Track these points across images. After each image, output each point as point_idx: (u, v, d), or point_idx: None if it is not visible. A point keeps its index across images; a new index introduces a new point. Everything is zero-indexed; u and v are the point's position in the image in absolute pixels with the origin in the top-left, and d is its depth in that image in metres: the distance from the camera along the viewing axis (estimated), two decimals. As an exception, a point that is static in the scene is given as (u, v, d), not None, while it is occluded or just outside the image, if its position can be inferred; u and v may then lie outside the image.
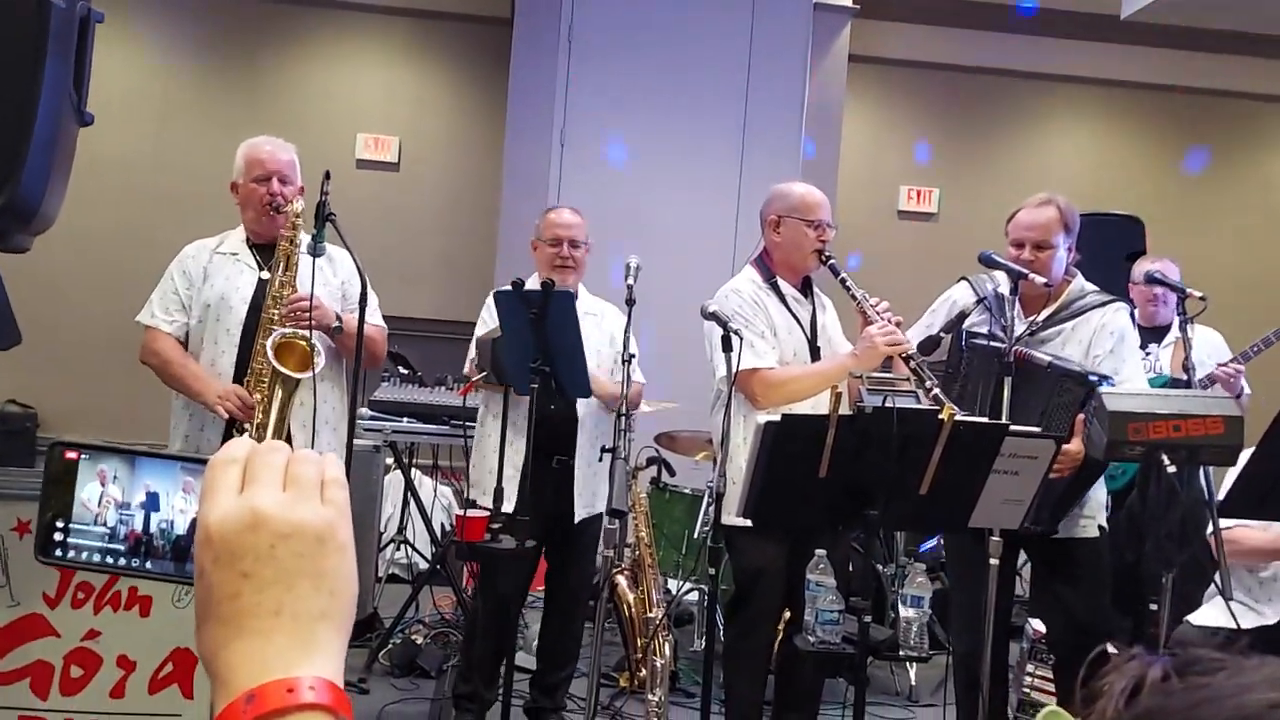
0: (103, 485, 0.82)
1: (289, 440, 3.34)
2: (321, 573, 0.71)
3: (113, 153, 6.67)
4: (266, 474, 0.73)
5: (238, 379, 3.37)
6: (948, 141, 7.63)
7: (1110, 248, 5.10)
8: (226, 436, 3.32)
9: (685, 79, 6.34)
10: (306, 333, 3.26)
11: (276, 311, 3.31)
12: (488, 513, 3.25)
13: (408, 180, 7.11)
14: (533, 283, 3.67)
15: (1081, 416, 3.10)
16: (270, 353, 3.22)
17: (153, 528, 0.82)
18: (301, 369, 3.25)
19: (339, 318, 3.40)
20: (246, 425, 3.29)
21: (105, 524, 0.82)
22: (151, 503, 0.82)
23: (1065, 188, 7.16)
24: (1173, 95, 7.69)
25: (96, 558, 0.83)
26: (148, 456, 0.83)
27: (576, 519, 3.72)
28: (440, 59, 7.14)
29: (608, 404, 3.64)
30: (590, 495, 3.73)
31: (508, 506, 3.31)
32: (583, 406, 3.63)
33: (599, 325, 3.83)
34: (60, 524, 0.83)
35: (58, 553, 0.83)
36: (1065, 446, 3.04)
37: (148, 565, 0.84)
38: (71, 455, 0.83)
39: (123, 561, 0.83)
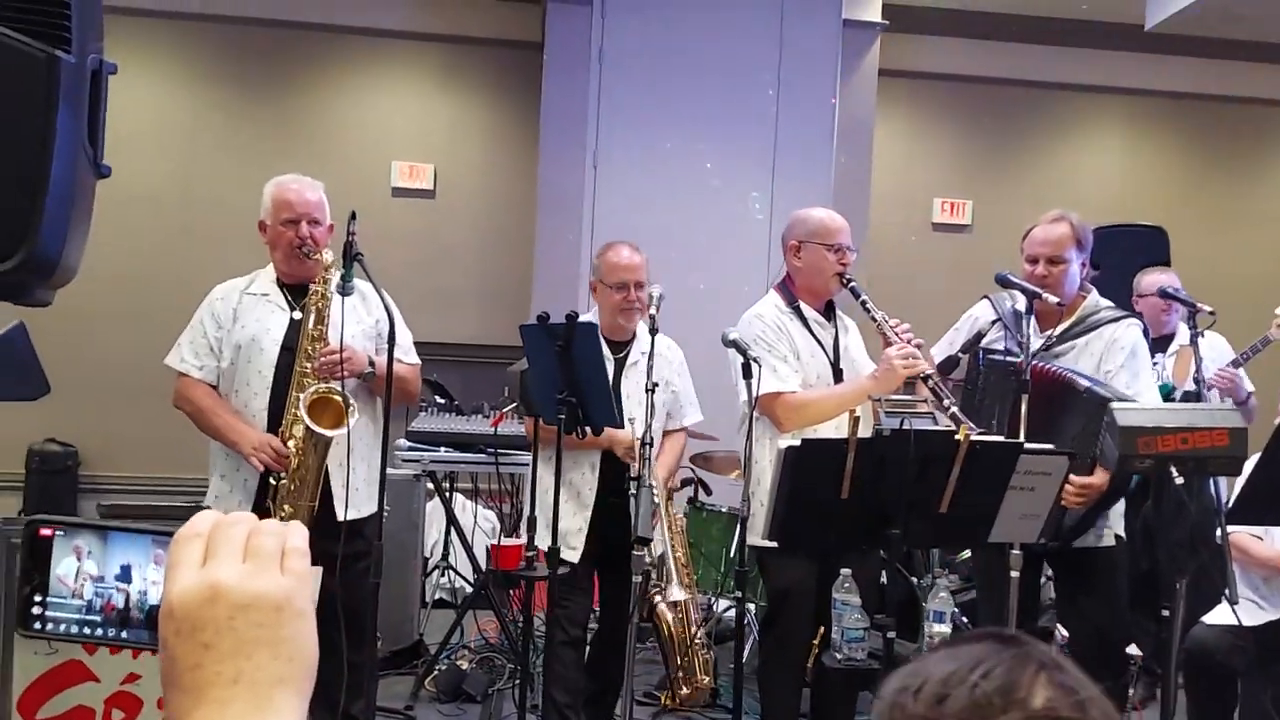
0: (79, 560, 0.88)
1: (326, 479, 3.42)
2: (279, 640, 0.77)
3: (145, 189, 6.68)
4: (227, 547, 0.78)
5: (271, 420, 3.39)
6: (980, 153, 7.63)
7: (1135, 258, 5.14)
8: (262, 481, 3.38)
9: (716, 98, 6.39)
10: (339, 387, 3.28)
11: (310, 364, 3.32)
12: (523, 542, 3.31)
13: (444, 207, 7.17)
14: (593, 324, 3.68)
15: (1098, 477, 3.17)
16: (304, 409, 3.24)
17: (128, 599, 0.88)
18: (336, 423, 3.27)
19: (372, 362, 3.40)
20: (283, 474, 3.32)
21: (82, 597, 0.88)
22: (125, 575, 0.88)
23: (1094, 196, 7.27)
24: (1198, 104, 7.66)
25: (74, 629, 0.88)
26: (120, 531, 0.89)
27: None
28: (473, 84, 7.20)
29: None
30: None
31: (547, 536, 3.37)
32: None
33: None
34: (38, 598, 0.87)
35: (37, 625, 0.88)
36: (1090, 480, 3.13)
37: (124, 635, 0.88)
38: (46, 532, 0.88)
39: (100, 632, 0.89)
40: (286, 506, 3.33)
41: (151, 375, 3.55)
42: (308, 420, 3.25)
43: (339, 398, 3.30)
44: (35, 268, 1.88)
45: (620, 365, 3.70)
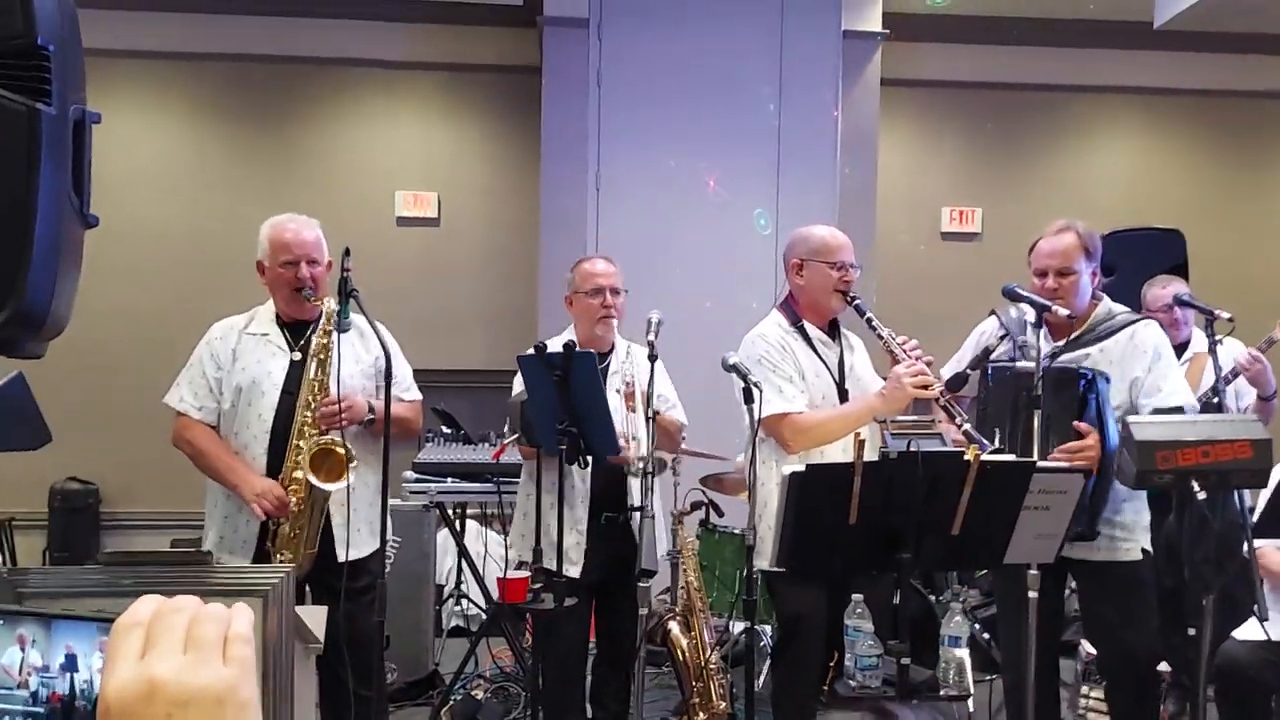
0: (22, 650, 0.84)
1: (327, 521, 3.39)
2: None
3: (157, 227, 6.80)
4: (166, 638, 0.74)
5: (271, 462, 3.37)
6: (987, 160, 7.55)
7: (1152, 262, 5.03)
8: (262, 525, 3.36)
9: (717, 114, 6.35)
10: (341, 438, 3.28)
11: (310, 413, 3.31)
12: (529, 573, 3.26)
13: (448, 234, 7.17)
14: (569, 338, 3.68)
15: (1077, 423, 3.11)
16: (306, 463, 3.24)
17: (73, 689, 0.84)
18: (338, 472, 3.27)
19: (372, 408, 3.39)
20: (282, 520, 3.31)
21: (28, 688, 0.84)
22: (70, 664, 0.84)
23: (1107, 199, 7.18)
24: (1211, 100, 7.54)
25: None
26: (64, 619, 0.85)
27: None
28: (473, 111, 7.20)
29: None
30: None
31: (550, 565, 3.32)
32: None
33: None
34: None
35: None
36: (1079, 443, 3.07)
37: None
38: None
39: None
40: (286, 551, 3.31)
41: (167, 412, 3.55)
42: (310, 475, 3.25)
43: (341, 450, 3.29)
44: (24, 322, 1.87)
45: (602, 376, 3.64)
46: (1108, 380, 3.25)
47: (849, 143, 6.48)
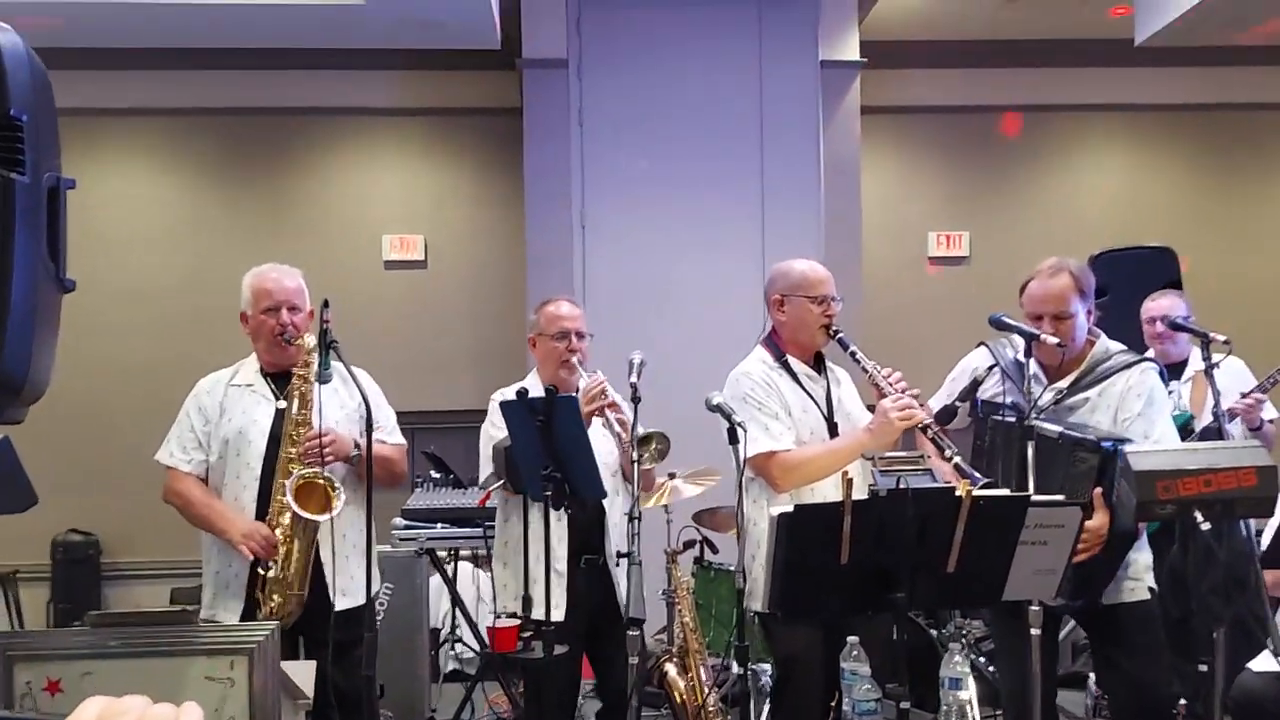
0: None
1: (319, 565, 3.35)
2: None
3: (148, 281, 6.88)
4: None
5: (261, 512, 3.36)
6: (972, 183, 7.55)
7: (1144, 282, 5.00)
8: (251, 572, 3.34)
9: (699, 149, 6.36)
10: (325, 472, 3.26)
11: (295, 449, 3.30)
12: (519, 621, 3.21)
13: (435, 276, 7.18)
14: (532, 381, 3.64)
15: (1099, 491, 2.97)
16: (290, 495, 3.22)
17: None
18: (323, 508, 3.25)
19: (357, 445, 3.38)
20: (271, 562, 3.28)
21: None
22: None
23: (1097, 218, 7.17)
24: (1196, 115, 7.54)
25: None
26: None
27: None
28: (457, 154, 7.23)
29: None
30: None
31: (539, 613, 3.26)
32: (611, 504, 3.52)
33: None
34: None
35: None
36: (1089, 524, 2.92)
37: None
38: None
39: None
40: (276, 596, 3.29)
41: (161, 467, 3.56)
42: (294, 505, 3.23)
43: (324, 481, 3.28)
44: (2, 388, 1.86)
45: None
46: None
47: (832, 172, 6.48)
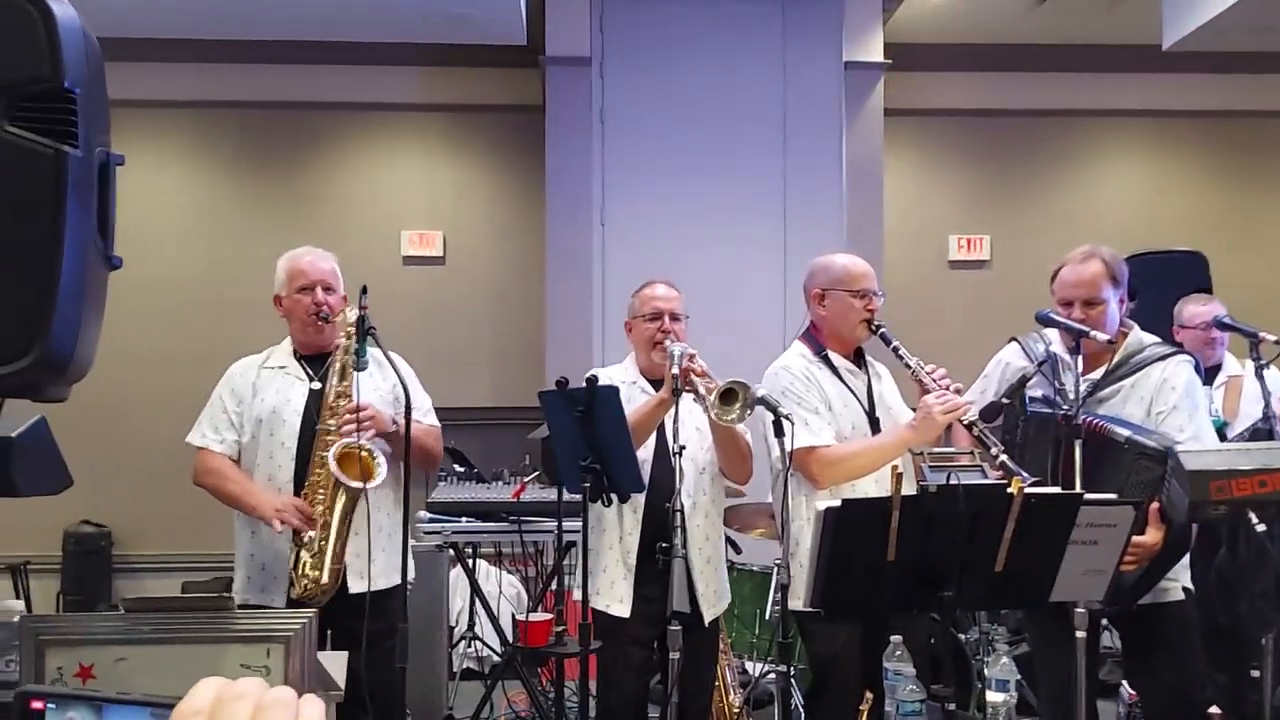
0: None
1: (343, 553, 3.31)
2: None
3: (171, 274, 6.87)
4: None
5: (297, 491, 3.34)
6: (995, 187, 7.52)
7: (1174, 286, 4.95)
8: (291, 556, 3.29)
9: (721, 148, 6.35)
10: (366, 443, 3.23)
11: (335, 422, 3.28)
12: (551, 616, 3.17)
13: (454, 272, 7.16)
14: (627, 365, 3.59)
15: (1156, 506, 2.90)
16: (333, 463, 3.19)
17: None
18: (362, 479, 3.22)
19: (395, 422, 3.35)
20: (309, 536, 3.25)
21: None
22: None
23: (1120, 223, 7.13)
24: (1222, 121, 7.50)
25: None
26: (115, 703, 0.77)
27: (705, 620, 3.41)
28: (478, 150, 7.21)
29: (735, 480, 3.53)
30: (714, 595, 3.48)
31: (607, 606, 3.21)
32: (687, 496, 3.30)
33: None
34: None
35: None
36: (1141, 539, 2.88)
37: None
38: (37, 705, 0.77)
39: None
40: (312, 570, 3.24)
41: (181, 455, 3.55)
42: (336, 471, 3.19)
43: (365, 453, 3.25)
44: (49, 366, 1.83)
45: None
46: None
47: (854, 174, 6.47)
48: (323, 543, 3.27)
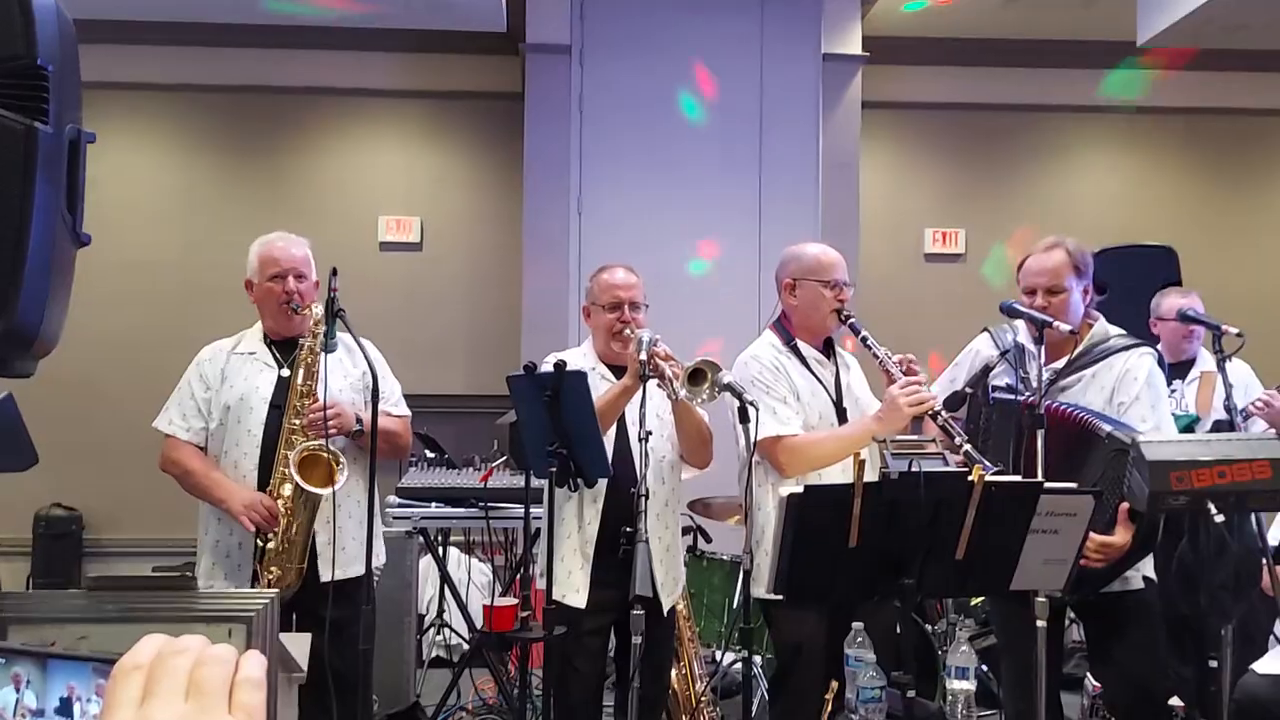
0: (17, 691, 0.77)
1: (313, 542, 3.31)
2: None
3: (144, 256, 6.84)
4: (168, 682, 0.67)
5: (262, 480, 3.33)
6: (970, 181, 7.54)
7: (1144, 280, 4.99)
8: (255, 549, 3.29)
9: (698, 138, 6.36)
10: (330, 445, 3.23)
11: (299, 421, 3.27)
12: (517, 602, 3.17)
13: (431, 259, 7.14)
14: (585, 351, 3.55)
15: (1126, 507, 2.93)
16: (294, 467, 3.18)
17: None
18: (326, 481, 3.21)
19: (359, 420, 3.34)
20: (271, 534, 3.24)
21: None
22: (65, 708, 0.77)
23: (1093, 218, 7.17)
24: (1196, 118, 7.55)
25: None
26: (61, 659, 0.78)
27: (664, 608, 3.40)
28: (456, 137, 7.19)
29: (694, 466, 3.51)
30: (673, 582, 3.46)
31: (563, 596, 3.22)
32: (654, 480, 3.27)
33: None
34: None
35: None
36: (1109, 540, 2.93)
37: None
38: None
39: None
40: (274, 569, 3.26)
41: (154, 440, 3.53)
42: (297, 478, 3.20)
43: (328, 455, 3.24)
44: (15, 340, 1.84)
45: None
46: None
47: (830, 166, 6.48)
48: (286, 543, 3.27)
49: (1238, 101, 7.49)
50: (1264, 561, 2.85)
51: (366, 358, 3.26)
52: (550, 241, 6.32)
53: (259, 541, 3.27)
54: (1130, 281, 4.91)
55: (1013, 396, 3.22)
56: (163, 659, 0.69)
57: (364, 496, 3.37)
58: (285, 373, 3.41)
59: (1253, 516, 3.17)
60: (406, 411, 3.66)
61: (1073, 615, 3.52)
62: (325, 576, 3.29)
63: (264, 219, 6.74)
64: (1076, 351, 3.29)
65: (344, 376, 3.45)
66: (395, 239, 7.11)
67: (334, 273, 3.18)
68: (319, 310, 3.30)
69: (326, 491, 3.21)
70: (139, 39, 6.69)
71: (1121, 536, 2.97)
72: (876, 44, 6.76)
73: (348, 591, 3.33)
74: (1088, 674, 3.56)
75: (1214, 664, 2.59)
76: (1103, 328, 3.40)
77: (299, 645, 2.80)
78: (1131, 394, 3.20)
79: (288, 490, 3.25)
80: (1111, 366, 3.27)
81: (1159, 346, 4.45)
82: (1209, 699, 3.06)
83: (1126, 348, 3.30)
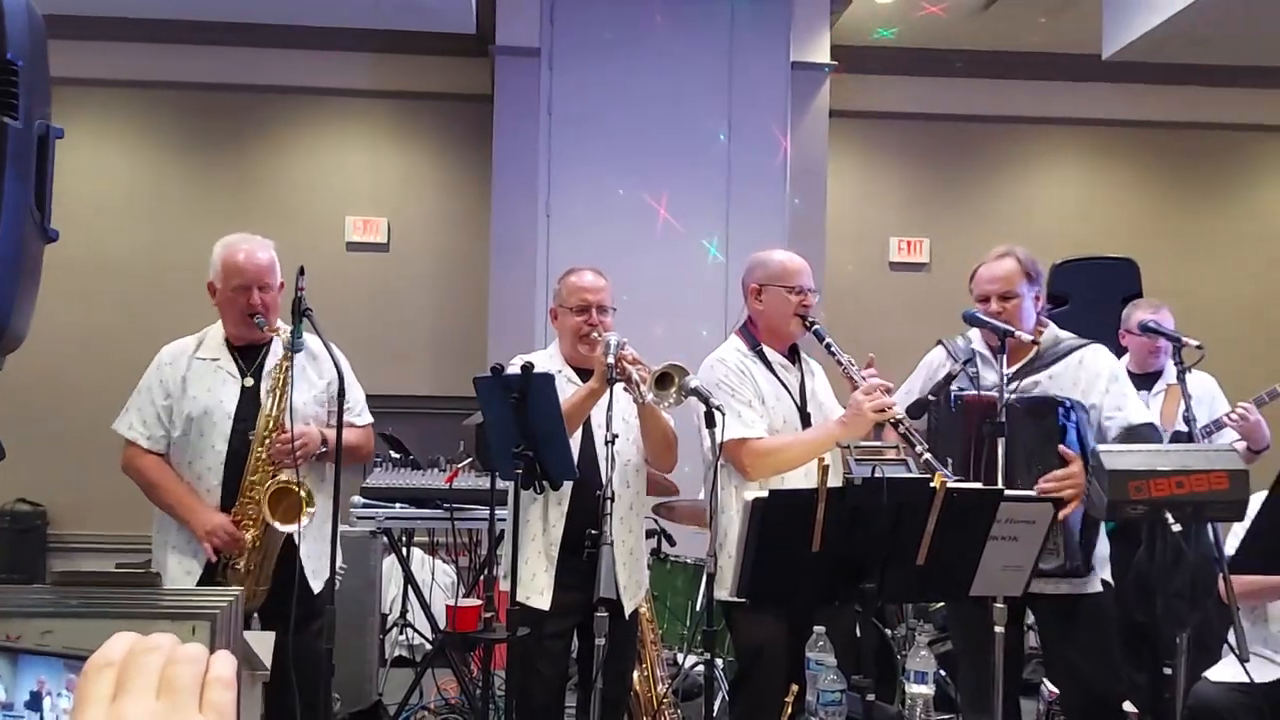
0: None
1: (292, 545, 3.29)
2: None
3: (110, 254, 6.81)
4: (139, 680, 0.68)
5: (227, 493, 3.28)
6: (935, 191, 7.62)
7: (1105, 291, 5.06)
8: (211, 562, 3.27)
9: (667, 144, 6.38)
10: (301, 480, 3.20)
11: (265, 450, 3.23)
12: (480, 603, 3.17)
13: (397, 260, 7.13)
14: (551, 354, 3.55)
15: (1063, 448, 3.09)
16: (265, 507, 3.17)
17: None
18: (295, 514, 3.19)
19: (325, 440, 3.30)
20: (235, 557, 3.23)
21: None
22: (34, 703, 0.77)
23: (1057, 230, 7.27)
24: (1158, 131, 7.67)
25: None
26: (31, 654, 0.78)
27: (625, 611, 3.38)
28: (424, 138, 7.18)
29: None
30: (635, 585, 3.47)
31: (527, 598, 3.22)
32: (619, 484, 3.24)
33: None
34: None
35: None
36: (1067, 469, 3.05)
37: None
38: None
39: None
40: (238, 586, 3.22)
41: (119, 436, 3.45)
42: (270, 519, 3.18)
43: (295, 488, 3.21)
44: None
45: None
46: (1085, 409, 3.25)
47: (798, 173, 6.52)
48: (252, 566, 3.24)
49: (1197, 116, 7.62)
50: (1220, 571, 2.89)
51: (336, 365, 3.21)
52: (518, 244, 6.32)
53: (223, 559, 3.24)
54: (1092, 293, 5.00)
55: (976, 392, 3.29)
56: (134, 656, 0.69)
57: (326, 506, 3.31)
58: (249, 382, 3.34)
59: (1209, 526, 3.22)
60: (370, 419, 3.62)
61: (1030, 621, 3.56)
62: (316, 588, 3.30)
63: (231, 217, 6.74)
64: (1031, 356, 3.39)
65: (309, 388, 3.38)
66: (362, 239, 7.10)
67: (301, 272, 3.14)
68: (285, 333, 3.25)
69: (295, 528, 3.18)
70: (109, 35, 6.66)
71: (1076, 466, 3.11)
72: (845, 53, 6.82)
73: (308, 594, 3.32)
74: (1044, 679, 3.60)
75: (1169, 671, 2.62)
76: (1053, 333, 3.50)
77: (263, 643, 2.79)
78: (1100, 390, 3.32)
79: (252, 512, 3.22)
80: (1067, 366, 3.38)
81: (1126, 358, 4.51)
82: (1163, 705, 3.11)
83: (1078, 346, 3.42)
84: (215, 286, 3.39)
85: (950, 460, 3.12)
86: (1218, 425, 4.24)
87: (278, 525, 3.17)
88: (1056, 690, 3.43)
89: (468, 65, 6.95)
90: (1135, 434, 3.20)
